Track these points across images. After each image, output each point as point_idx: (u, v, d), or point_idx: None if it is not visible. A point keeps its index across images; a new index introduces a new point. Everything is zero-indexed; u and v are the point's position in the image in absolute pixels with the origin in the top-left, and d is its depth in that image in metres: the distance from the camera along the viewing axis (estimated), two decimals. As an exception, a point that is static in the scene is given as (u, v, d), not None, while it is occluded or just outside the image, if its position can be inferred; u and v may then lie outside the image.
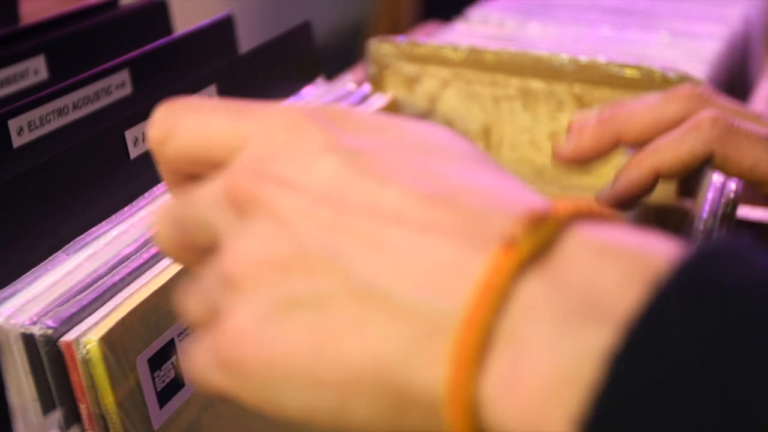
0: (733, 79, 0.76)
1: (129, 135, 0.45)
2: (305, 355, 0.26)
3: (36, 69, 0.53)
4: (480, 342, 0.24)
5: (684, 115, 0.45)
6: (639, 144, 0.46)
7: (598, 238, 0.25)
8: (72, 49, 0.55)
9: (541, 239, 0.24)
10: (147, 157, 0.46)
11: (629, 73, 0.61)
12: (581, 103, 0.62)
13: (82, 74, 0.49)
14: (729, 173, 0.44)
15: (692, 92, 0.46)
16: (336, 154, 0.28)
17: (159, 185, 0.45)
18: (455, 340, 0.24)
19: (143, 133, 0.45)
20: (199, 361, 0.29)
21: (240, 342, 0.27)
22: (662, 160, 0.43)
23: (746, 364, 0.21)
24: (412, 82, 0.66)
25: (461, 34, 0.74)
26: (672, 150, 0.43)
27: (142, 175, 0.45)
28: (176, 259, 0.31)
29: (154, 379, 0.39)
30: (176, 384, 0.40)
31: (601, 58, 0.62)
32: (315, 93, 0.57)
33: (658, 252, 0.24)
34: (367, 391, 0.26)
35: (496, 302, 0.24)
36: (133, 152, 0.45)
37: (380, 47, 0.67)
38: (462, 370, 0.24)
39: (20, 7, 0.63)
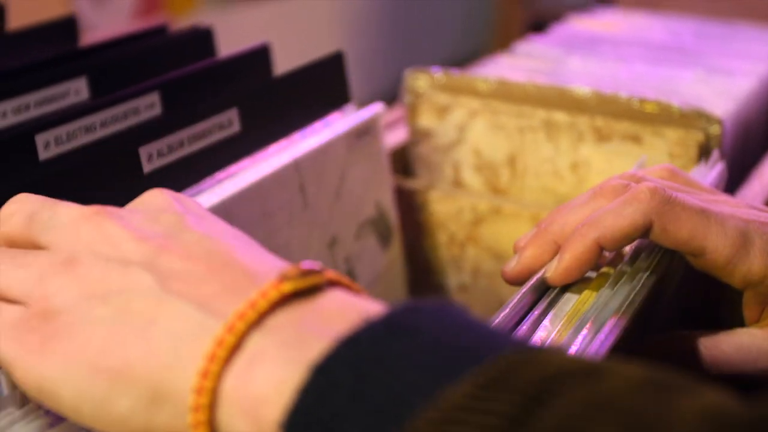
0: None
1: (143, 151, 0.48)
2: (98, 342, 0.32)
3: (77, 90, 0.57)
4: (233, 343, 0.31)
5: None
6: None
7: (343, 296, 0.33)
8: (115, 72, 0.59)
9: (304, 283, 0.32)
10: (160, 173, 0.49)
11: (648, 107, 0.62)
12: (600, 135, 0.63)
13: (112, 94, 0.53)
14: (666, 244, 0.44)
15: (618, 183, 0.46)
16: (173, 215, 0.37)
17: (169, 199, 0.48)
18: (215, 338, 0.31)
19: (157, 150, 0.49)
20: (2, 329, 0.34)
21: (54, 320, 0.33)
22: (604, 233, 0.44)
23: (421, 376, 0.28)
24: (443, 111, 0.68)
25: (503, 66, 0.76)
26: (612, 222, 0.44)
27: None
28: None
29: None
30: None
31: (623, 93, 0.63)
32: (338, 118, 0.60)
33: (381, 308, 0.32)
34: (134, 383, 0.31)
35: (254, 317, 0.31)
36: (147, 168, 0.48)
37: (416, 77, 0.69)
38: (213, 364, 0.30)
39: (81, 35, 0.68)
